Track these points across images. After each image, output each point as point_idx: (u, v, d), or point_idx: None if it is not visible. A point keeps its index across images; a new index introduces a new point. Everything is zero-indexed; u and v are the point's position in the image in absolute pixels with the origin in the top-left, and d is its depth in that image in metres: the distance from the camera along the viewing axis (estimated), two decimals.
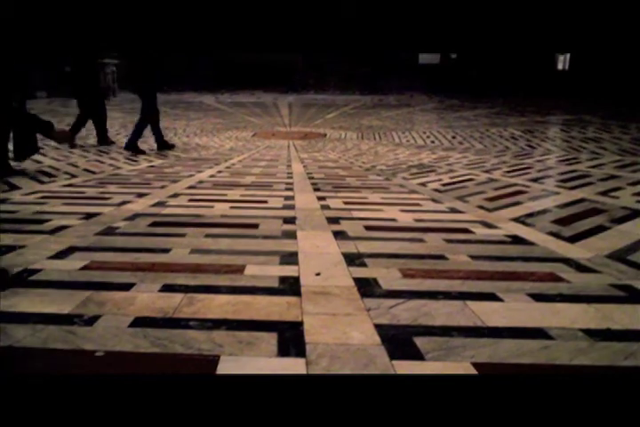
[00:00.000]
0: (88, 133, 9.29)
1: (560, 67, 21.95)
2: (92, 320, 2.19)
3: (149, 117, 7.75)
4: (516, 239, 3.41)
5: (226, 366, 1.86)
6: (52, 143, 8.18)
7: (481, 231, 3.60)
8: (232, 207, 4.26)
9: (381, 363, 1.89)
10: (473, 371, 1.84)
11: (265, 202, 4.46)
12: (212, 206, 4.27)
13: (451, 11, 19.75)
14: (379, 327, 2.14)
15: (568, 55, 21.41)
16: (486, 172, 6.06)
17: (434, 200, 4.60)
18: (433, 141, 9.09)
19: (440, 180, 5.61)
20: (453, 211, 4.21)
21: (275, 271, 2.78)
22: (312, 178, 5.71)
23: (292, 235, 3.45)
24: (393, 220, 3.89)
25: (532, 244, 3.31)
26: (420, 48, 21.75)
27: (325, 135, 9.95)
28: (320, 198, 4.60)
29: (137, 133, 7.74)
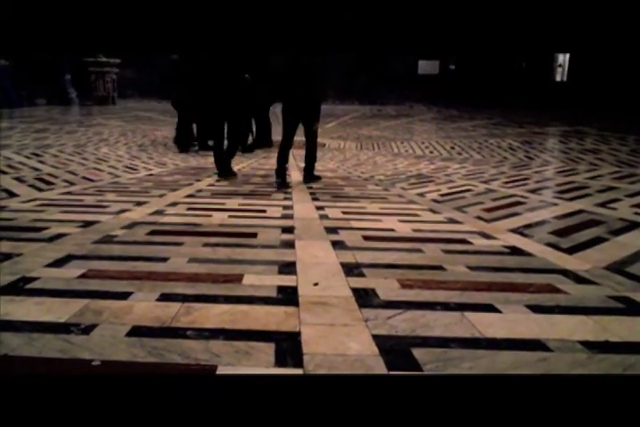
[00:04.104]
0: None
1: (558, 78, 22.05)
2: (88, 329, 2.18)
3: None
4: (515, 250, 3.41)
5: None
6: (51, 151, 8.20)
7: (479, 242, 3.60)
8: (230, 216, 4.26)
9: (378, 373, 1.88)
10: None
11: (263, 211, 4.46)
12: (210, 215, 4.27)
13: (450, 17, 19.88)
14: (376, 338, 2.14)
15: (566, 67, 21.53)
16: (484, 182, 6.07)
17: (432, 210, 4.61)
18: (432, 152, 9.11)
19: (438, 190, 5.62)
20: (452, 221, 4.22)
21: (273, 281, 2.77)
22: (310, 187, 5.72)
23: (290, 244, 3.44)
24: (391, 230, 3.89)
25: (530, 255, 3.31)
26: (419, 54, 21.86)
27: (324, 145, 9.96)
28: (319, 208, 4.60)
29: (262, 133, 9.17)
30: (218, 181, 6.09)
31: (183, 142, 8.89)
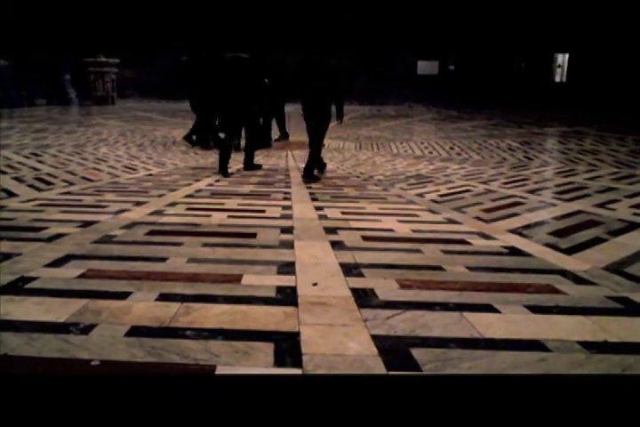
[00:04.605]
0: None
1: (557, 79, 22.06)
2: (87, 329, 2.18)
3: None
4: (514, 251, 3.41)
5: None
6: (50, 151, 8.20)
7: (478, 242, 3.60)
8: (230, 216, 4.26)
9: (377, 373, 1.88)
10: None
11: (263, 211, 4.46)
12: (209, 215, 4.27)
13: (450, 19, 19.94)
14: (376, 338, 2.14)
15: (565, 67, 21.54)
16: (484, 183, 6.07)
17: (431, 211, 4.61)
18: (431, 152, 9.11)
19: (438, 190, 5.62)
20: (451, 222, 4.22)
21: (272, 281, 2.77)
22: (310, 188, 5.72)
23: (289, 245, 3.45)
24: (390, 230, 3.90)
25: (529, 255, 3.32)
26: (418, 54, 21.89)
27: (324, 145, 9.96)
28: (318, 208, 4.60)
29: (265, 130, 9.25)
30: (217, 181, 6.10)
31: (205, 139, 9.34)
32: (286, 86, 9.21)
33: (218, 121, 8.31)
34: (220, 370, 1.89)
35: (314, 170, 6.29)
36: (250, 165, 6.97)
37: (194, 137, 9.32)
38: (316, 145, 6.24)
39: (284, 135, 10.24)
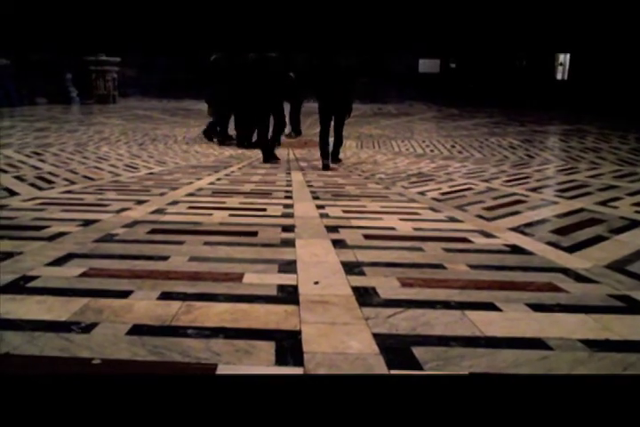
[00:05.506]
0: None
1: (559, 77, 22.01)
2: (89, 328, 2.18)
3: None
4: (515, 249, 3.41)
5: None
6: (52, 149, 8.21)
7: (480, 241, 3.60)
8: (231, 215, 4.26)
9: (379, 373, 1.88)
10: None
11: (264, 210, 4.46)
12: (210, 214, 4.27)
13: (450, 18, 19.94)
14: (377, 337, 2.14)
15: (567, 65, 21.49)
16: (485, 181, 6.07)
17: (433, 209, 4.60)
18: (432, 150, 9.10)
19: (439, 189, 5.61)
20: (452, 220, 4.21)
21: (273, 280, 2.77)
22: (311, 186, 5.72)
23: (290, 243, 3.44)
24: (392, 228, 3.89)
25: (530, 253, 3.31)
26: (420, 52, 21.90)
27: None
28: (319, 207, 4.60)
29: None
30: (219, 179, 6.10)
31: (226, 137, 9.56)
32: (300, 84, 9.30)
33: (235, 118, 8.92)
34: (221, 369, 1.89)
35: (339, 154, 7.35)
36: (269, 156, 7.49)
37: (234, 133, 9.47)
38: (341, 134, 7.15)
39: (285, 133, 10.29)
